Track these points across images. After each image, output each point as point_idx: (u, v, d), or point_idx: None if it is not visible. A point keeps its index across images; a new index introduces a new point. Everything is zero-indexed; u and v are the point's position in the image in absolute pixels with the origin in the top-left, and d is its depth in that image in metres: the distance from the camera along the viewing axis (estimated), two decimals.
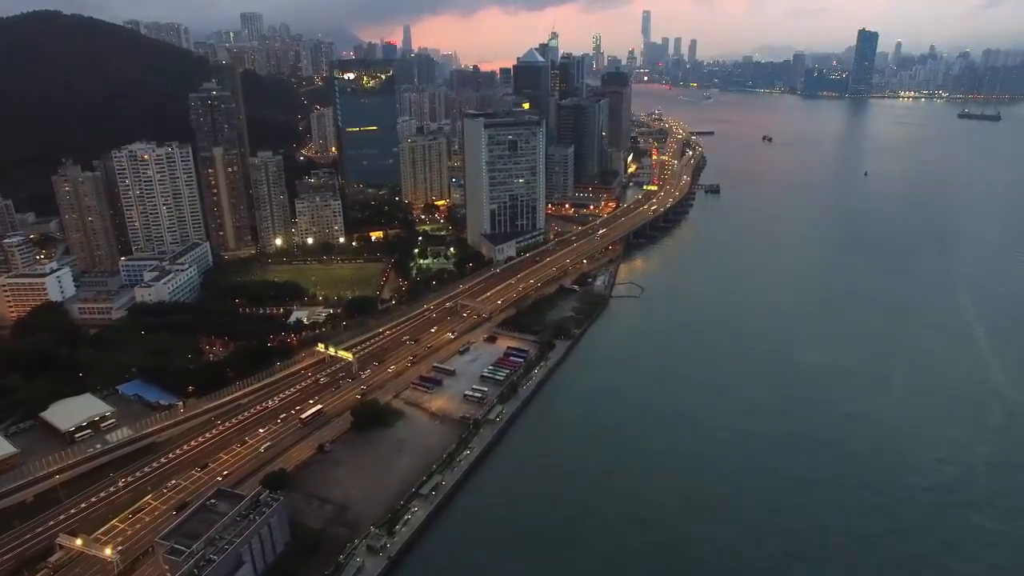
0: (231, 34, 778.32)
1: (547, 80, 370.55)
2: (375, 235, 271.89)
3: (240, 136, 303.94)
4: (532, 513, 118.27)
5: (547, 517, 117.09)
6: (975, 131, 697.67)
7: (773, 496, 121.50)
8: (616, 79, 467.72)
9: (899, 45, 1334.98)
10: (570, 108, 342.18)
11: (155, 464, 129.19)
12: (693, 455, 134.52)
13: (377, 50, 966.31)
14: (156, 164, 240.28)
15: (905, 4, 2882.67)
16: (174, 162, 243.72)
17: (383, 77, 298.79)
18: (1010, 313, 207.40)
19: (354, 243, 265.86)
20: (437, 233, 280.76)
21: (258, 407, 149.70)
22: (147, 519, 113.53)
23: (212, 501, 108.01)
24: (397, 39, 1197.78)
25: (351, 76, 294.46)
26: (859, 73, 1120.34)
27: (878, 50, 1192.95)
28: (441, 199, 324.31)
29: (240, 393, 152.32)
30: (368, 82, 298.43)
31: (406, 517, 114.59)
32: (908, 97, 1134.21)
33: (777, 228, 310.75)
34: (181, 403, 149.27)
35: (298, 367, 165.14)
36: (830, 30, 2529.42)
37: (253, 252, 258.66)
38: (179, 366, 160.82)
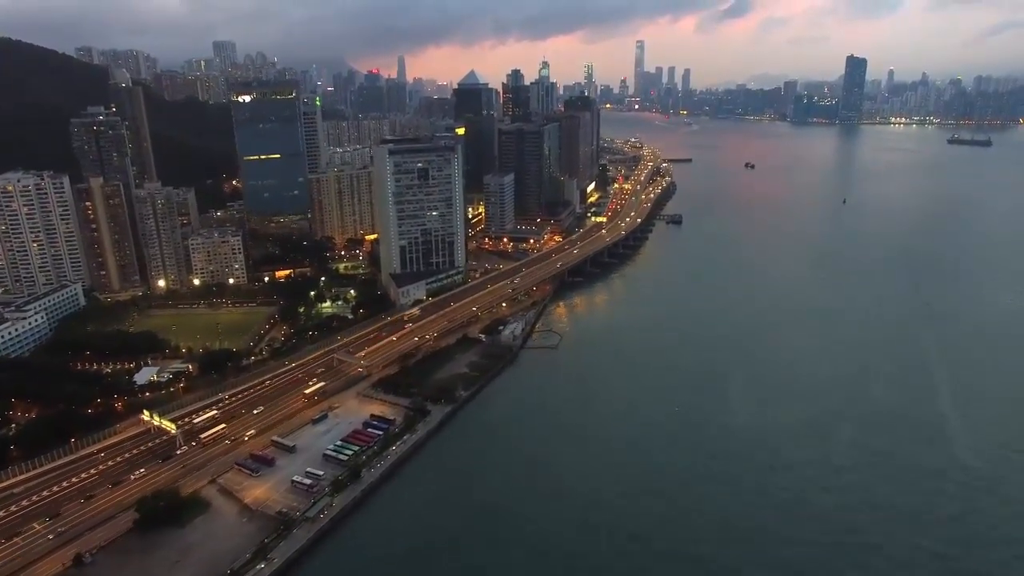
0: (202, 63, 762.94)
1: (490, 104, 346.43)
2: (281, 274, 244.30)
3: (145, 164, 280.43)
4: None
5: None
6: (965, 157, 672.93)
7: None
8: (578, 103, 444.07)
9: (891, 72, 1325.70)
10: (511, 133, 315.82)
11: None
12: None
13: (358, 78, 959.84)
14: (23, 196, 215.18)
15: (906, 33, 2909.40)
16: (46, 194, 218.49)
17: (281, 99, 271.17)
18: (977, 362, 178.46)
19: (256, 284, 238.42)
20: (351, 272, 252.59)
21: (33, 498, 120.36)
22: None
23: None
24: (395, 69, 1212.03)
25: (247, 99, 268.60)
26: (849, 99, 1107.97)
27: (872, 78, 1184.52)
28: (372, 233, 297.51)
29: (15, 480, 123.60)
30: (262, 100, 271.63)
31: None
32: (899, 123, 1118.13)
33: (734, 263, 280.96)
34: None
35: (106, 443, 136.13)
36: (830, 59, 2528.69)
37: (140, 294, 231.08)
38: None
